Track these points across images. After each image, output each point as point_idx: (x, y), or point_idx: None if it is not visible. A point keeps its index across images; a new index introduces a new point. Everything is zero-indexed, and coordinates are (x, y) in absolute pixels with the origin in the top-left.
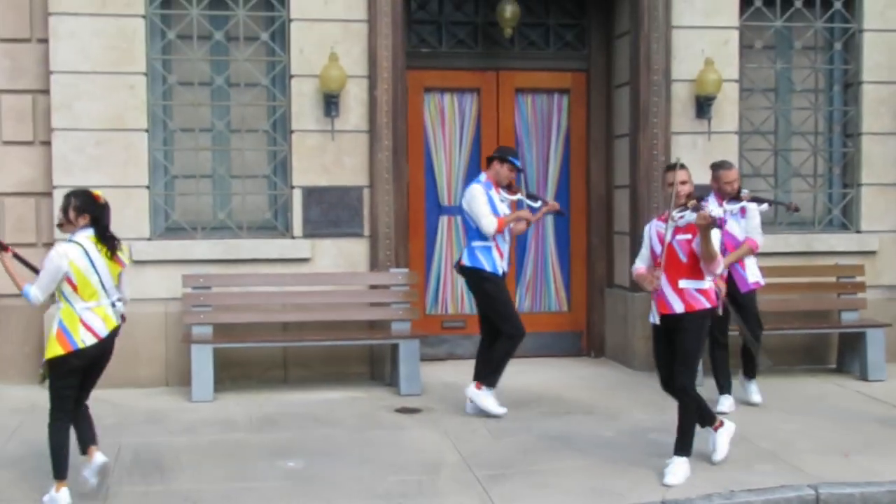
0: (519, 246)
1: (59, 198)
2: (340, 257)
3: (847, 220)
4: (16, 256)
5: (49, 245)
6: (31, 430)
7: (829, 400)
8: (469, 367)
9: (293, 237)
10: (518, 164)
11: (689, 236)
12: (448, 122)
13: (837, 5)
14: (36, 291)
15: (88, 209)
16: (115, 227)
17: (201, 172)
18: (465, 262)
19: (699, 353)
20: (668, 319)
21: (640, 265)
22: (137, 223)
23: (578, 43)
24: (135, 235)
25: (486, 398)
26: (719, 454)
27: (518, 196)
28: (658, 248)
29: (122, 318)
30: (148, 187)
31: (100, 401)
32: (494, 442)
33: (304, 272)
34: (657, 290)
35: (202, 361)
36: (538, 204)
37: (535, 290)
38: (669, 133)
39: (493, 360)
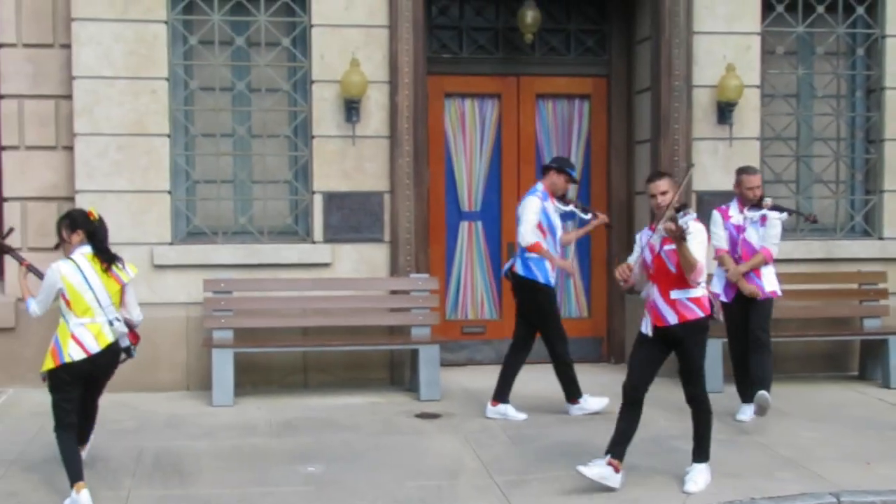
0: None
1: (81, 202)
2: (361, 262)
3: (869, 226)
4: (30, 269)
5: None
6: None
7: (850, 407)
8: (488, 372)
9: (314, 242)
10: (574, 175)
11: (672, 246)
12: (468, 127)
13: (860, 11)
14: (34, 306)
15: (80, 226)
16: (137, 231)
17: (222, 177)
18: (519, 271)
19: (703, 360)
20: (663, 331)
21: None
22: (159, 228)
23: (599, 48)
24: (156, 240)
25: (506, 410)
26: (586, 469)
27: (571, 207)
28: (649, 258)
29: (135, 336)
30: (169, 192)
31: (121, 404)
32: (514, 448)
33: (325, 277)
34: (650, 301)
35: (223, 366)
36: (588, 216)
37: None
38: (690, 139)
39: (507, 380)
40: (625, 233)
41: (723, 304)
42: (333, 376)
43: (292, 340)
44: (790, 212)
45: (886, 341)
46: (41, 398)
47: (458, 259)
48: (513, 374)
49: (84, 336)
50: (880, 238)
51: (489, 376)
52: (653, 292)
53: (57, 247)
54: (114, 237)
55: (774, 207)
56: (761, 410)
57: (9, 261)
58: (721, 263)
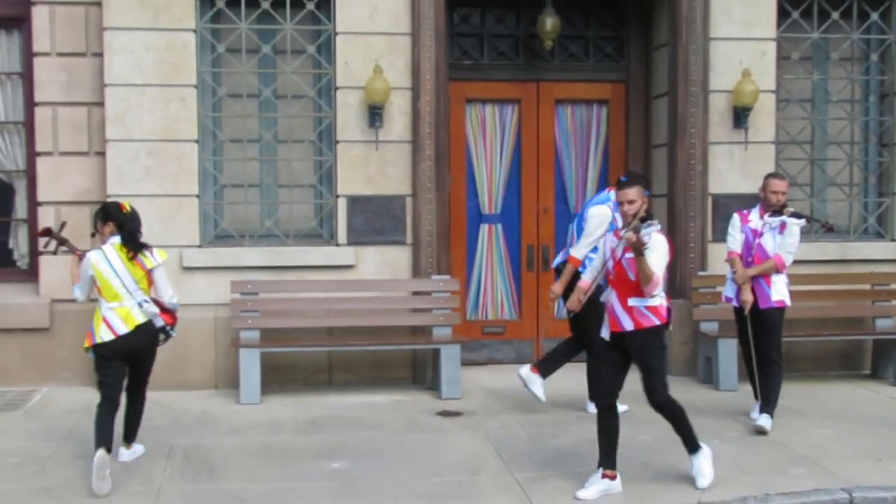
0: (557, 252)
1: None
2: (384, 264)
3: (882, 228)
4: (82, 259)
5: None
6: (86, 430)
7: (862, 406)
8: (508, 371)
9: (338, 245)
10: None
11: (634, 255)
12: (489, 132)
13: (874, 17)
14: (77, 292)
15: (112, 217)
16: (166, 234)
17: (249, 182)
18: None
19: (662, 366)
20: (619, 336)
21: (587, 278)
22: (188, 231)
23: (617, 55)
24: (185, 243)
25: (535, 383)
26: (585, 493)
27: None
28: (610, 265)
29: (171, 317)
30: (198, 196)
31: (152, 402)
32: (534, 445)
33: (349, 279)
34: (609, 306)
35: (250, 365)
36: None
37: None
38: (707, 143)
39: (556, 359)
40: None
41: (734, 309)
42: (357, 375)
43: (317, 340)
44: (809, 219)
45: None
46: (75, 396)
47: (478, 261)
48: (563, 355)
49: (113, 319)
50: (893, 240)
51: (509, 375)
52: (612, 298)
53: (93, 235)
54: (145, 239)
55: (793, 215)
56: (758, 432)
57: (44, 262)
58: (731, 266)
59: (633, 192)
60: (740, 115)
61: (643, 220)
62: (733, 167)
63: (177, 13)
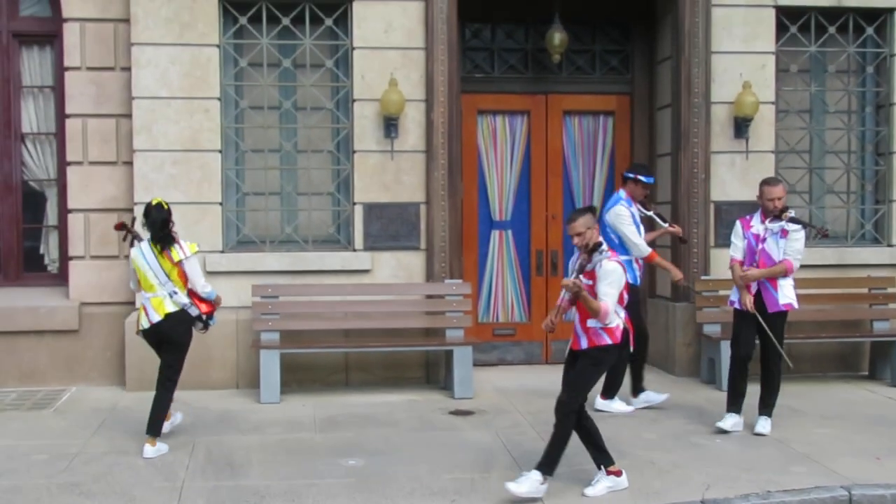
0: (566, 259)
1: (140, 214)
2: (399, 269)
3: (879, 234)
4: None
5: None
6: (113, 428)
7: (861, 405)
8: (518, 371)
9: (355, 250)
10: (650, 181)
11: (591, 282)
12: (500, 142)
13: (869, 31)
14: (131, 283)
15: (145, 214)
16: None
17: (270, 190)
18: None
19: (589, 381)
20: (576, 353)
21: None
22: (211, 237)
23: (623, 68)
24: (209, 248)
25: (649, 396)
26: (592, 490)
27: (651, 213)
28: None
29: (208, 305)
30: (221, 204)
31: (176, 401)
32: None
33: (365, 283)
34: (573, 325)
35: (270, 366)
36: (666, 224)
37: None
38: (709, 152)
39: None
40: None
41: (735, 311)
42: (373, 375)
43: (335, 342)
44: (805, 225)
45: (895, 342)
46: (102, 395)
47: (489, 265)
48: (639, 367)
49: (149, 308)
50: (889, 245)
51: (519, 375)
52: (575, 317)
53: (124, 240)
54: None
55: (792, 220)
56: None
57: (73, 267)
58: (732, 273)
59: (579, 225)
60: (741, 126)
61: (592, 250)
62: (735, 175)
63: (201, 29)
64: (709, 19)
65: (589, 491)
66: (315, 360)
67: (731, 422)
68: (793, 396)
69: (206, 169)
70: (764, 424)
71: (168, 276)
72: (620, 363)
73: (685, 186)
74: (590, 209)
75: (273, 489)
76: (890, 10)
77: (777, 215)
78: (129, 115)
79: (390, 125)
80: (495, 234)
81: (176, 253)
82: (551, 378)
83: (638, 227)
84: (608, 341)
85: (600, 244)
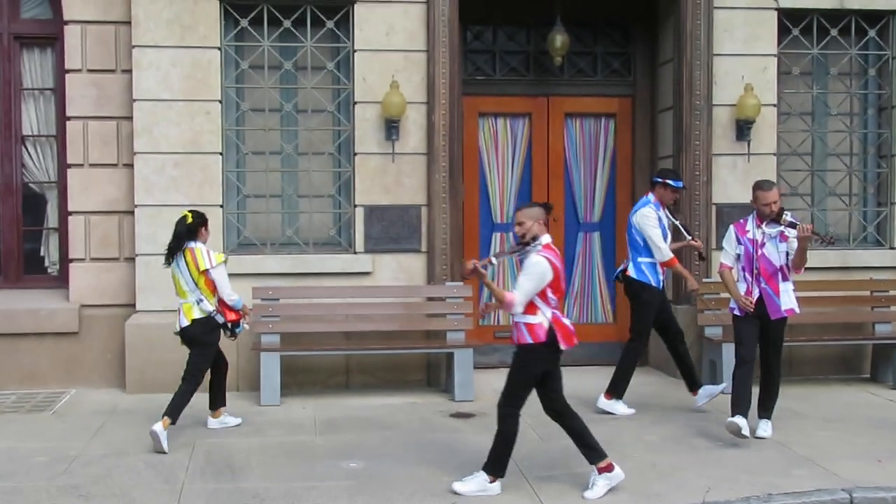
0: (567, 260)
1: (140, 216)
2: (399, 271)
3: (881, 236)
4: None
5: (130, 259)
6: (113, 430)
7: (863, 408)
8: None
9: (355, 252)
10: (679, 186)
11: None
12: (501, 144)
13: (871, 33)
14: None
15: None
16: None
17: (271, 192)
18: (633, 274)
19: (517, 383)
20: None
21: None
22: (212, 239)
23: (624, 70)
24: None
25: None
26: (591, 493)
27: (677, 222)
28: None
29: (235, 314)
30: (222, 206)
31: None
32: (543, 445)
33: (366, 285)
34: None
35: (270, 368)
36: (689, 237)
37: (582, 302)
38: (710, 155)
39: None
40: None
41: (735, 317)
42: (374, 378)
43: (335, 344)
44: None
45: None
46: (102, 398)
47: (491, 268)
48: (687, 365)
49: (180, 312)
50: (891, 248)
51: None
52: None
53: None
54: None
55: (791, 224)
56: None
57: (74, 270)
58: (722, 279)
59: (525, 216)
60: (743, 128)
61: (525, 244)
62: (736, 178)
63: (202, 32)
64: (710, 21)
65: (588, 494)
66: (315, 362)
67: (745, 424)
68: (794, 399)
69: (207, 171)
70: (764, 427)
71: (196, 283)
72: (629, 363)
73: (687, 189)
74: (544, 205)
75: (273, 491)
76: (892, 13)
77: (774, 219)
78: (129, 118)
79: (391, 127)
80: (496, 237)
81: (203, 262)
82: (569, 377)
83: (664, 231)
84: (529, 340)
85: (537, 238)
